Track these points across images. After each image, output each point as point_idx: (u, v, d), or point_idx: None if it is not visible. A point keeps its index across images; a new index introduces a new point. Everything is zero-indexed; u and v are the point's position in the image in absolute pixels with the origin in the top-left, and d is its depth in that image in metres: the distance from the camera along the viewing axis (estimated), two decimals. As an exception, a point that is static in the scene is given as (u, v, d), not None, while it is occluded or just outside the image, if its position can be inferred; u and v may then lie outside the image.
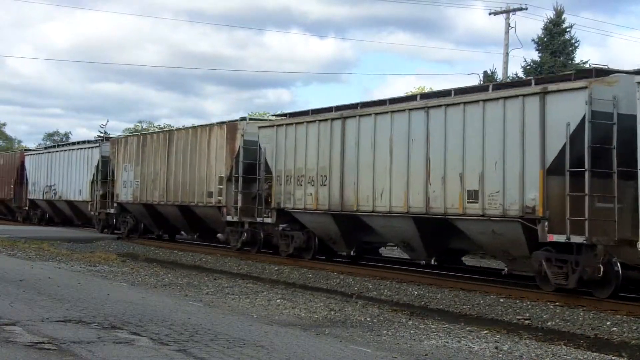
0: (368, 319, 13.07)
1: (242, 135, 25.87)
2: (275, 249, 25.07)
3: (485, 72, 47.69)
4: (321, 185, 21.83)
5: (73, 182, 38.91)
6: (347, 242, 22.20)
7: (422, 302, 16.69)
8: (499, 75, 44.50)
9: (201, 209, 28.04)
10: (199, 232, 30.91)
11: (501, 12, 43.36)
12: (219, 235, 30.38)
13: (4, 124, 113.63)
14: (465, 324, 13.51)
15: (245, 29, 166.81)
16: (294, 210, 23.05)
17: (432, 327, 12.54)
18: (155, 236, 33.34)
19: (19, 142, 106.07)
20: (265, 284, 18.85)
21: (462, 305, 16.06)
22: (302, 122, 22.88)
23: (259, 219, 24.94)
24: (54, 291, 14.55)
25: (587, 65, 43.83)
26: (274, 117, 25.20)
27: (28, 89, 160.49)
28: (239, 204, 25.78)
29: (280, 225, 24.07)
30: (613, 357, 10.80)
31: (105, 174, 35.77)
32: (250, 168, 25.64)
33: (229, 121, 27.21)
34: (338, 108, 22.04)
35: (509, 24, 43.01)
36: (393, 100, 20.48)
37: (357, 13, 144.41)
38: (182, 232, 33.47)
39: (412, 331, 11.85)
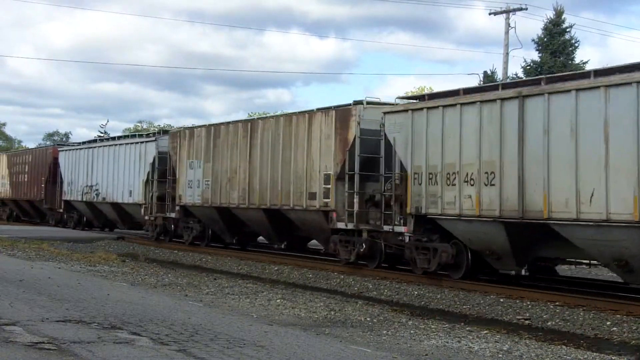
0: (368, 319, 13.07)
1: (358, 123, 20.88)
2: (400, 264, 20.78)
3: (485, 72, 47.76)
4: (486, 185, 17.06)
5: (121, 181, 33.49)
6: (518, 257, 17.33)
7: (422, 302, 16.69)
8: (499, 75, 44.54)
9: (298, 213, 23.16)
10: (287, 241, 25.78)
11: (501, 12, 43.43)
12: (311, 243, 27.06)
13: (4, 124, 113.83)
14: (465, 324, 13.53)
15: (246, 29, 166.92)
16: (442, 217, 18.25)
17: (432, 327, 12.55)
18: (223, 244, 28.85)
19: (19, 142, 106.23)
20: (265, 284, 18.86)
21: (462, 305, 16.06)
22: (454, 105, 17.95)
23: (386, 227, 19.92)
24: (54, 291, 14.55)
25: (587, 66, 44.02)
26: (401, 101, 20.63)
27: (28, 89, 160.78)
28: (355, 207, 20.98)
29: (407, 234, 19.31)
30: (613, 357, 10.81)
31: (162, 172, 30.57)
32: (367, 163, 21.02)
33: (338, 106, 22.16)
34: (507, 85, 17.49)
35: (509, 24, 43.11)
36: (601, 72, 15.56)
37: (357, 13, 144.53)
38: (260, 240, 29.32)
39: (412, 331, 11.86)
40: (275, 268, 22.69)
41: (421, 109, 18.96)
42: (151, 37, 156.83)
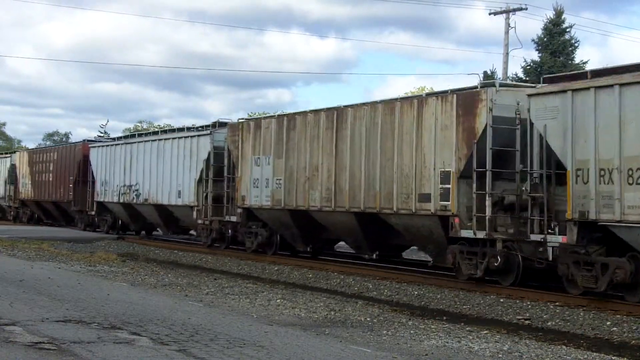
0: (368, 319, 13.07)
1: (490, 109, 17.19)
2: (538, 280, 17.28)
3: (485, 72, 47.74)
4: None
5: (167, 181, 29.77)
6: None
7: (422, 302, 16.69)
8: (499, 75, 44.53)
9: (403, 218, 19.48)
10: (379, 250, 22.12)
11: (501, 12, 43.41)
12: (404, 253, 23.82)
13: (4, 124, 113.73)
14: (465, 324, 13.52)
15: (246, 29, 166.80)
16: (621, 225, 14.51)
17: (432, 327, 12.55)
18: (290, 252, 25.46)
19: (19, 142, 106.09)
20: (265, 284, 18.86)
21: (462, 305, 16.07)
22: (638, 82, 14.35)
23: (535, 237, 16.18)
24: (54, 291, 14.56)
25: (587, 66, 44.04)
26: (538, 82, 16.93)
27: (28, 89, 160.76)
28: (487, 212, 17.25)
29: (551, 245, 15.89)
30: (613, 357, 10.81)
31: (218, 170, 27.07)
32: (497, 158, 17.42)
33: (460, 89, 18.57)
34: None
35: (509, 24, 43.08)
36: None
37: (357, 13, 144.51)
38: (338, 247, 26.44)
39: (412, 331, 11.86)
40: (275, 268, 22.68)
41: (587, 88, 15.33)
42: (151, 37, 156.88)
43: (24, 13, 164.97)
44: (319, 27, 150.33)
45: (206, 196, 27.47)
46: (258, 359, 9.02)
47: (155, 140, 31.43)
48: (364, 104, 21.26)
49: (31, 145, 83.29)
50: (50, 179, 41.43)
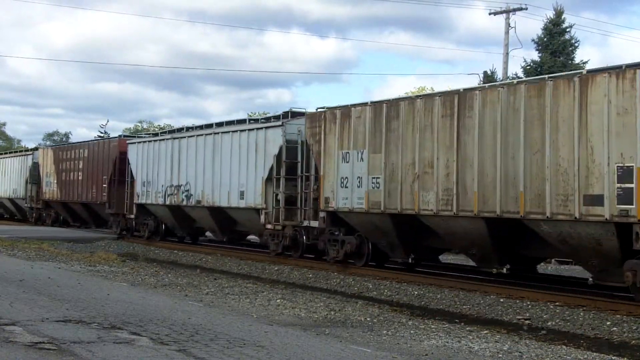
0: (368, 319, 13.08)
1: None
2: None
3: (485, 72, 47.74)
4: None
5: (227, 180, 26.12)
6: None
7: (422, 302, 16.70)
8: (499, 75, 44.54)
9: (560, 225, 15.62)
10: (510, 262, 18.25)
11: (501, 12, 43.44)
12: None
13: (4, 124, 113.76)
14: (465, 324, 13.54)
15: (246, 29, 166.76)
16: None
17: (432, 327, 12.56)
18: (376, 263, 21.76)
19: (19, 141, 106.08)
20: (265, 284, 18.87)
21: (462, 305, 16.08)
22: None
23: None
24: (54, 291, 14.56)
25: (587, 66, 44.02)
26: None
27: (28, 89, 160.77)
28: None
29: None
30: (613, 357, 10.82)
31: (290, 167, 23.59)
32: None
33: None
34: None
35: (509, 24, 43.11)
36: None
37: (358, 13, 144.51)
38: (443, 257, 23.37)
39: (412, 331, 11.87)
40: (275, 268, 22.68)
41: None
42: (151, 37, 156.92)
43: (24, 13, 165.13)
44: (319, 27, 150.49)
45: (276, 197, 24.07)
46: (258, 359, 9.02)
47: (210, 133, 27.49)
48: (496, 84, 17.82)
49: (31, 145, 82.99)
50: (80, 178, 37.99)
